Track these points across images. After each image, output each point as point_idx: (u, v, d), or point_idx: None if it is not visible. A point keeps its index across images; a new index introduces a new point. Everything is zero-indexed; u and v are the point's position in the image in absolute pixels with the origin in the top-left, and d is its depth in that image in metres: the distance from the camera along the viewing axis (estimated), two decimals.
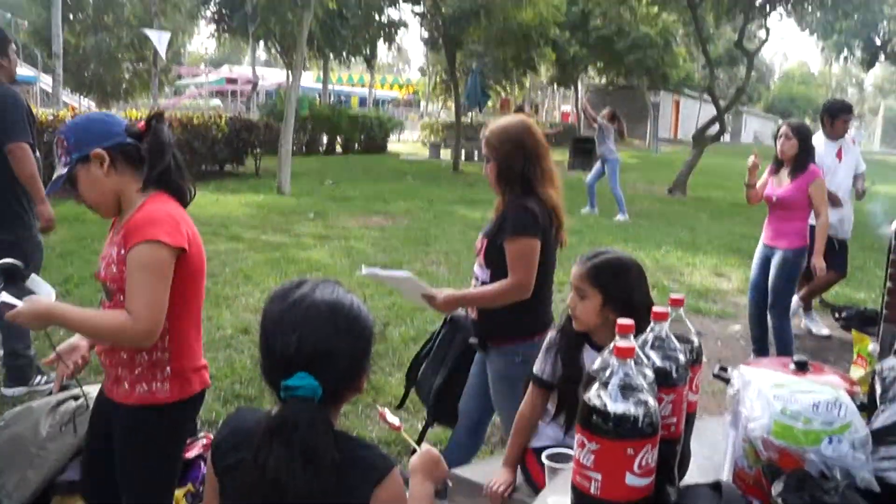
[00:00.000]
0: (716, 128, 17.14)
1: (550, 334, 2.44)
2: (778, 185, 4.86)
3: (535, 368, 2.42)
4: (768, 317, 5.00)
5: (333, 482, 1.35)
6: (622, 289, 2.18)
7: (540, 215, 2.71)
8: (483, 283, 2.81)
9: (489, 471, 2.44)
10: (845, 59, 24.45)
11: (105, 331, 1.99)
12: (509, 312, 2.74)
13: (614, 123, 12.38)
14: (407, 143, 33.29)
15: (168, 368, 2.06)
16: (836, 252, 5.85)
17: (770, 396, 1.38)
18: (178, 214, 2.07)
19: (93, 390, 2.77)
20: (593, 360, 2.22)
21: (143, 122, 2.11)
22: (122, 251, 1.98)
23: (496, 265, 2.75)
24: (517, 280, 2.68)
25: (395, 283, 3.10)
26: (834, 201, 5.58)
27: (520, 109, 14.21)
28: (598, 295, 2.19)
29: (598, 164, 12.32)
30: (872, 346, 2.52)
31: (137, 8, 33.70)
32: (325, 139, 24.04)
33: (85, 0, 32.60)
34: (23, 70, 30.24)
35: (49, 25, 18.29)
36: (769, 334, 5.09)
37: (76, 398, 2.72)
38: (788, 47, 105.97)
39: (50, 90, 17.13)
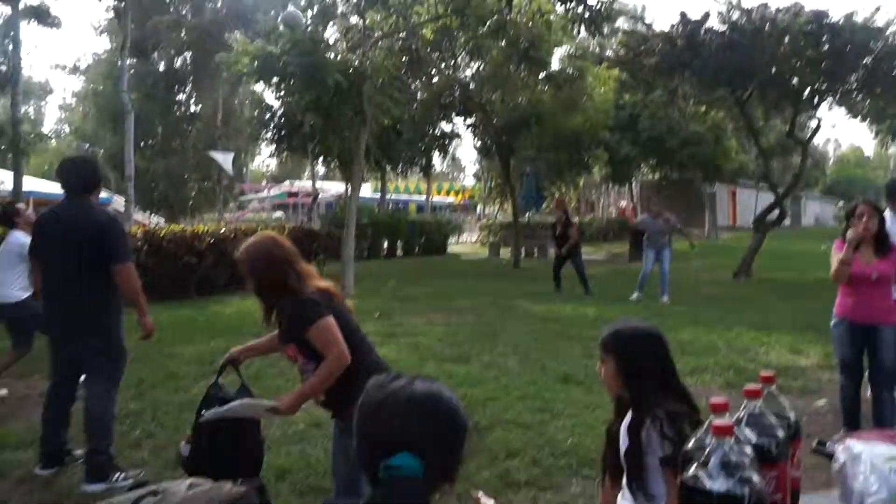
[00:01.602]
0: (776, 213, 16.92)
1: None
2: (867, 263, 4.78)
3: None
4: (875, 392, 4.89)
5: None
6: (631, 354, 2.26)
7: (316, 297, 2.96)
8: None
9: None
10: None
11: None
12: (340, 386, 2.91)
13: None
14: (466, 244, 33.60)
15: None
16: None
17: (885, 470, 1.31)
18: None
19: (171, 486, 2.78)
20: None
21: None
22: None
23: (318, 355, 2.96)
24: (333, 356, 2.90)
25: (238, 412, 3.21)
26: None
27: (560, 203, 14.41)
28: (612, 360, 2.28)
29: (653, 253, 12.32)
30: None
31: (203, 133, 35.63)
32: (385, 244, 24.47)
33: (154, 128, 34.62)
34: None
35: (122, 152, 19.40)
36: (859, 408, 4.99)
37: (154, 494, 2.71)
38: (840, 134, 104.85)
39: (122, 209, 17.97)
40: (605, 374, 2.33)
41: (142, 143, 32.98)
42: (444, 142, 27.03)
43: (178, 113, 35.81)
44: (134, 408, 5.58)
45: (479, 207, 47.68)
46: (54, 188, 23.22)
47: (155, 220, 30.09)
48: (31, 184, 21.85)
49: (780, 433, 1.34)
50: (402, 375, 1.50)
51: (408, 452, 1.34)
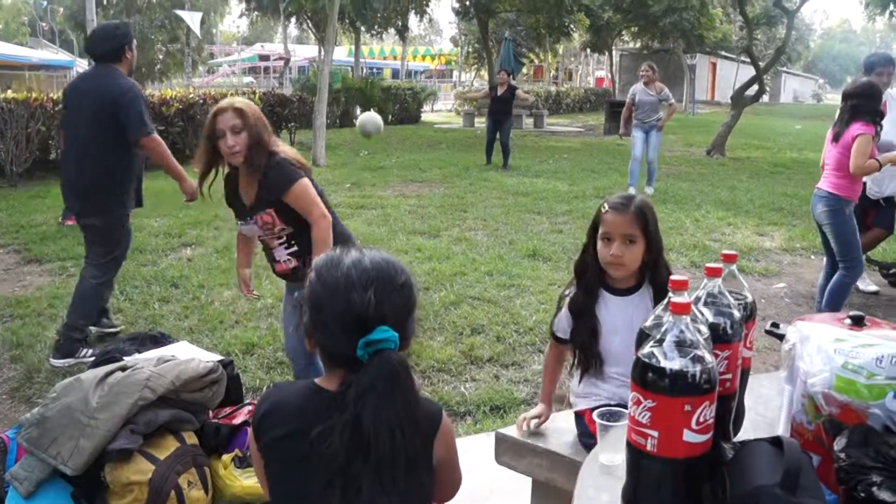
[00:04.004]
0: (755, 88, 16.75)
1: (570, 291, 2.35)
2: None
3: (555, 327, 2.37)
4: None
5: (415, 431, 1.35)
6: (654, 226, 2.24)
7: (293, 162, 2.98)
8: (293, 240, 3.03)
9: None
10: (890, 14, 23.64)
11: None
12: (308, 256, 2.97)
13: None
14: (441, 112, 33.14)
15: None
16: (883, 209, 5.73)
17: (831, 351, 1.35)
18: None
19: (140, 360, 2.82)
20: (608, 304, 2.26)
21: None
22: None
23: (294, 221, 2.98)
24: (317, 216, 2.94)
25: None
26: None
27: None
28: (643, 238, 2.20)
29: (641, 133, 10.40)
30: None
31: None
32: (358, 111, 24.02)
33: None
34: (59, 55, 30.79)
35: (83, 10, 18.50)
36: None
37: (123, 369, 2.75)
38: (829, 4, 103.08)
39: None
40: (630, 257, 2.20)
41: (104, 1, 31.52)
42: (421, 2, 26.11)
43: None
44: None
45: (455, 74, 46.79)
46: (10, 50, 22.13)
47: None
48: None
49: (737, 314, 1.36)
50: (350, 248, 1.45)
51: (386, 325, 1.33)
